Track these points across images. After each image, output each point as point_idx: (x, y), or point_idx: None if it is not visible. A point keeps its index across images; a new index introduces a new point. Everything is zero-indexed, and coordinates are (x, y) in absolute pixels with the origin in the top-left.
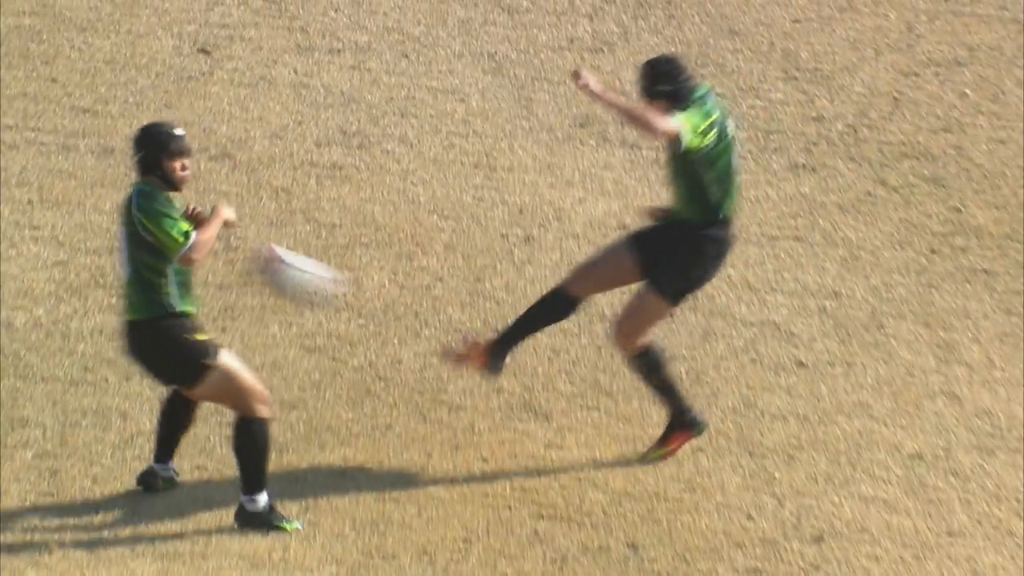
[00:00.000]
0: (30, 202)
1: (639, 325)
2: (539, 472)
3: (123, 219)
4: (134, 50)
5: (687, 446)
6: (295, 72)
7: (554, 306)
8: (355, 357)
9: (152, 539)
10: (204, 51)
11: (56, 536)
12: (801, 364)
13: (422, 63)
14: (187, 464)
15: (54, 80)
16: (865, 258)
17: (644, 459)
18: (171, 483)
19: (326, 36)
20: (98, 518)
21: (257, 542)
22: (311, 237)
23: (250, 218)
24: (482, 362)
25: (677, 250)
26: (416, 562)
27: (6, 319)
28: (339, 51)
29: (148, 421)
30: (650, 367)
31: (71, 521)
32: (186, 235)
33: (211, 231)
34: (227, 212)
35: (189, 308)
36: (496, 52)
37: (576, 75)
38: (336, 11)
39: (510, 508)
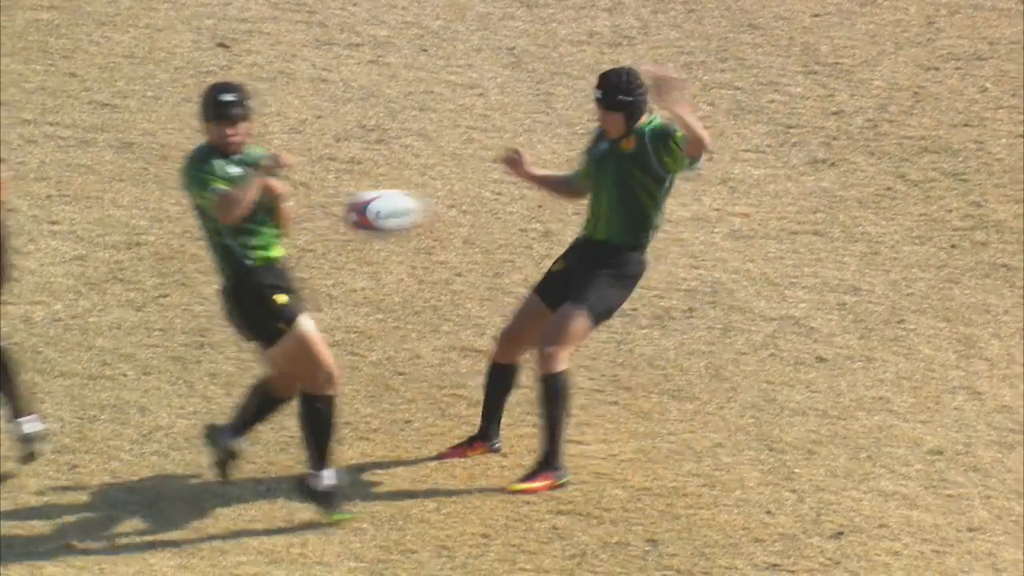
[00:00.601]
0: (49, 197)
1: (570, 342)
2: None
3: None
4: (153, 44)
5: (707, 440)
6: (314, 66)
7: (495, 378)
8: (373, 352)
9: (170, 534)
10: (223, 45)
11: (74, 531)
12: (821, 359)
13: (441, 57)
14: (205, 459)
15: (73, 74)
16: (885, 253)
17: (506, 490)
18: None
19: (345, 30)
20: (116, 513)
21: (276, 538)
22: (330, 232)
23: None
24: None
25: (610, 274)
26: (435, 558)
27: (25, 314)
28: (358, 45)
29: (166, 416)
30: (558, 393)
31: (89, 516)
32: (216, 186)
33: (247, 188)
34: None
35: (264, 261)
36: (515, 46)
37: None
38: (355, 5)
39: (529, 503)
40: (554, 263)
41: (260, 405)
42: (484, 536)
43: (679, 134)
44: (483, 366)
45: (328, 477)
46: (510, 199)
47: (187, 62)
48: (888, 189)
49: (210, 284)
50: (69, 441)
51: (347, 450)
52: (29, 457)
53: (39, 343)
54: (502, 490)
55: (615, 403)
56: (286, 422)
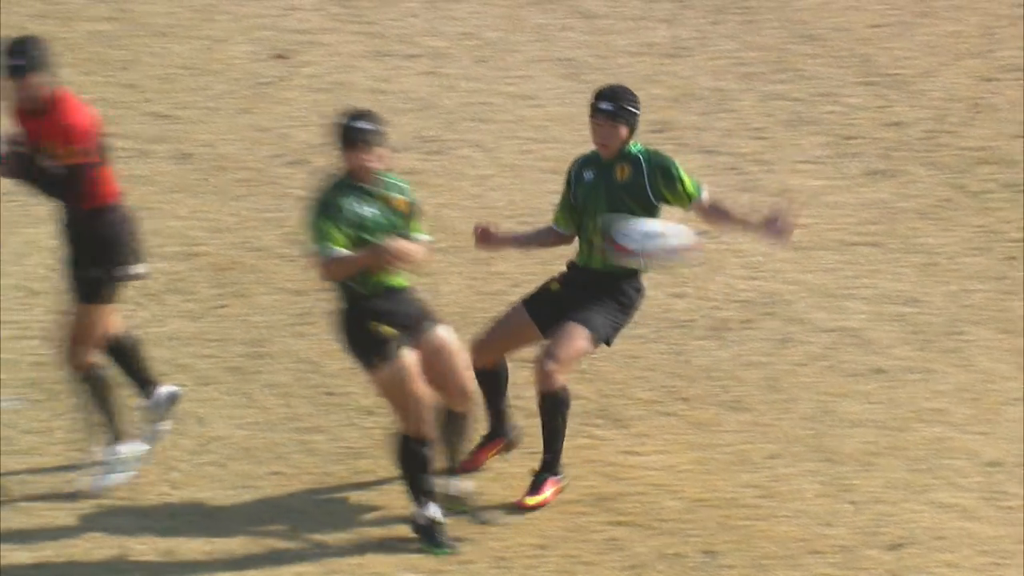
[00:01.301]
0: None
1: (571, 361)
2: (615, 479)
3: None
4: (211, 55)
5: (764, 451)
6: (371, 77)
7: (482, 382)
8: None
9: (227, 544)
10: (281, 56)
11: (133, 541)
12: (879, 371)
13: (498, 68)
14: (262, 470)
15: (131, 85)
16: (943, 264)
17: (522, 505)
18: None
19: (402, 41)
20: (174, 524)
21: (333, 548)
22: None
23: None
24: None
25: (611, 301)
26: (492, 568)
27: None
28: (416, 56)
29: (224, 426)
30: (559, 407)
31: (146, 526)
32: (330, 244)
33: (361, 257)
34: (393, 246)
35: (378, 289)
36: (573, 57)
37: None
38: (413, 16)
39: (586, 514)
40: (550, 281)
41: (451, 429)
42: (541, 547)
43: (682, 171)
44: None
45: (425, 514)
46: None
47: (245, 73)
48: (946, 200)
49: (267, 295)
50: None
51: None
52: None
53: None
54: (518, 505)
55: (672, 414)
56: (343, 433)
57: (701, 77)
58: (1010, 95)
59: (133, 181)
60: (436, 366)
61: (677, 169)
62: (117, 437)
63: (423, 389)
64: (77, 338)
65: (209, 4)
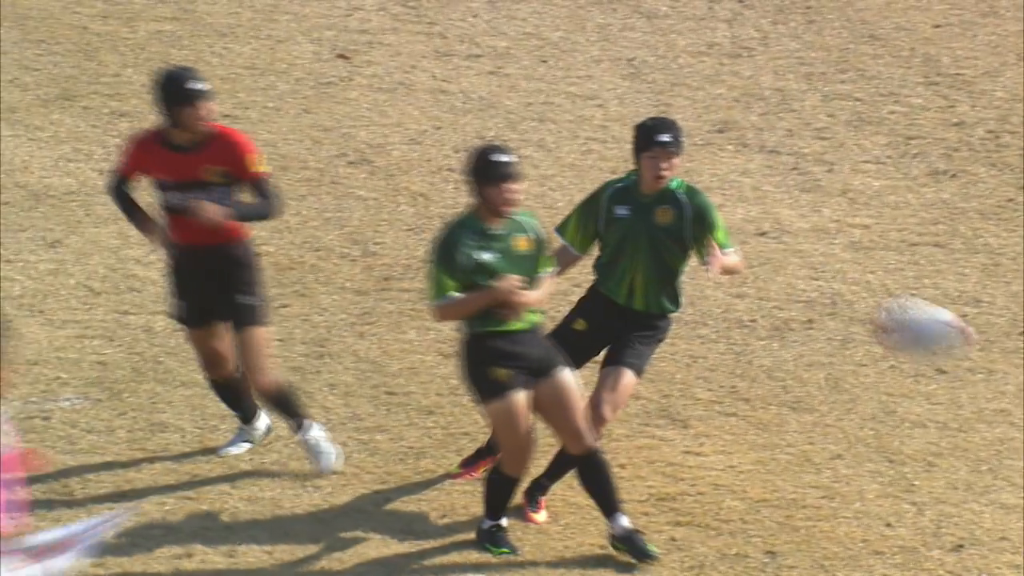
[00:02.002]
0: None
1: (623, 405)
2: (676, 479)
3: None
4: (274, 55)
5: (826, 452)
6: (433, 77)
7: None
8: None
9: (288, 544)
10: (343, 56)
11: (194, 540)
12: (941, 371)
13: (560, 68)
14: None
15: None
16: (1006, 264)
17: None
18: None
19: (465, 41)
20: (234, 523)
21: (395, 548)
22: None
23: (388, 223)
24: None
25: (651, 337)
26: (553, 569)
27: (146, 324)
28: (478, 56)
29: (285, 425)
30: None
31: (208, 525)
32: (440, 291)
33: (470, 300)
34: (503, 286)
35: (496, 330)
36: (634, 57)
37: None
38: (475, 16)
39: (647, 515)
40: (572, 321)
41: (588, 477)
42: (602, 547)
43: (719, 220)
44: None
45: (497, 520)
46: None
47: (307, 73)
48: (1009, 200)
49: (329, 295)
50: (190, 451)
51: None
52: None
53: (160, 353)
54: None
55: (734, 414)
56: (405, 432)
57: (763, 77)
58: None
59: None
60: (555, 411)
61: (716, 218)
62: (304, 421)
63: (527, 434)
64: (256, 363)
65: (272, 4)
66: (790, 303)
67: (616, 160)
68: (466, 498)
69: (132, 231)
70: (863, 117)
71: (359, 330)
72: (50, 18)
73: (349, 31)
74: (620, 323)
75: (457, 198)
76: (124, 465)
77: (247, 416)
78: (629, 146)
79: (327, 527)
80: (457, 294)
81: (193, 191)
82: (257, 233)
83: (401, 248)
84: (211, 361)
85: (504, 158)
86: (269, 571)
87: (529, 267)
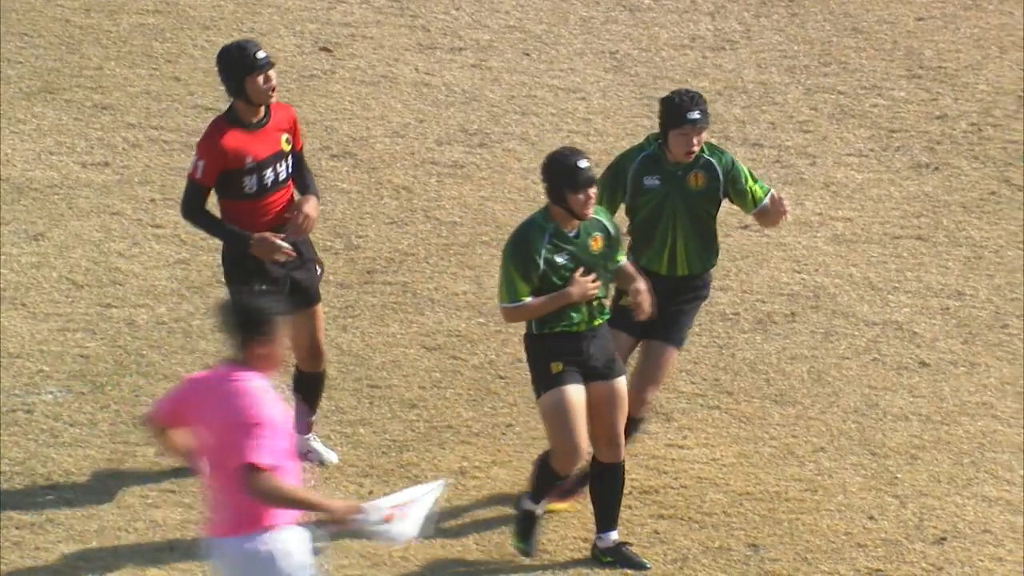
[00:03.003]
0: (152, 200)
1: (661, 381)
2: (659, 472)
3: None
4: None
5: (809, 445)
6: (416, 70)
7: None
8: (475, 356)
9: None
10: (326, 49)
11: (178, 534)
12: (924, 364)
13: (543, 61)
14: (307, 462)
15: (177, 79)
16: (989, 257)
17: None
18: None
19: (448, 34)
20: None
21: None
22: (432, 236)
23: (371, 216)
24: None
25: (696, 302)
26: (537, 561)
27: (129, 317)
28: (460, 49)
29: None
30: (637, 424)
31: (192, 518)
32: (515, 295)
33: (543, 304)
34: (576, 291)
35: (552, 330)
36: (617, 50)
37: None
38: (458, 9)
39: (630, 508)
40: (622, 298)
41: (601, 485)
42: (585, 540)
43: (750, 176)
44: None
45: (535, 506)
46: None
47: (290, 66)
48: (992, 194)
49: None
50: None
51: (448, 453)
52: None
53: (143, 346)
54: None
55: (717, 407)
56: (388, 425)
57: (746, 70)
58: None
59: (178, 174)
60: (600, 414)
61: (744, 171)
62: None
63: (575, 432)
64: (321, 341)
65: None
66: (773, 296)
67: (599, 153)
68: (448, 491)
69: (115, 224)
70: (846, 110)
71: (342, 323)
72: (32, 11)
73: (332, 24)
74: (664, 293)
75: (440, 190)
76: (107, 458)
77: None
78: (611, 139)
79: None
80: (529, 299)
81: (271, 166)
82: None
83: (384, 241)
84: (302, 342)
85: (587, 164)
86: None
87: (603, 264)
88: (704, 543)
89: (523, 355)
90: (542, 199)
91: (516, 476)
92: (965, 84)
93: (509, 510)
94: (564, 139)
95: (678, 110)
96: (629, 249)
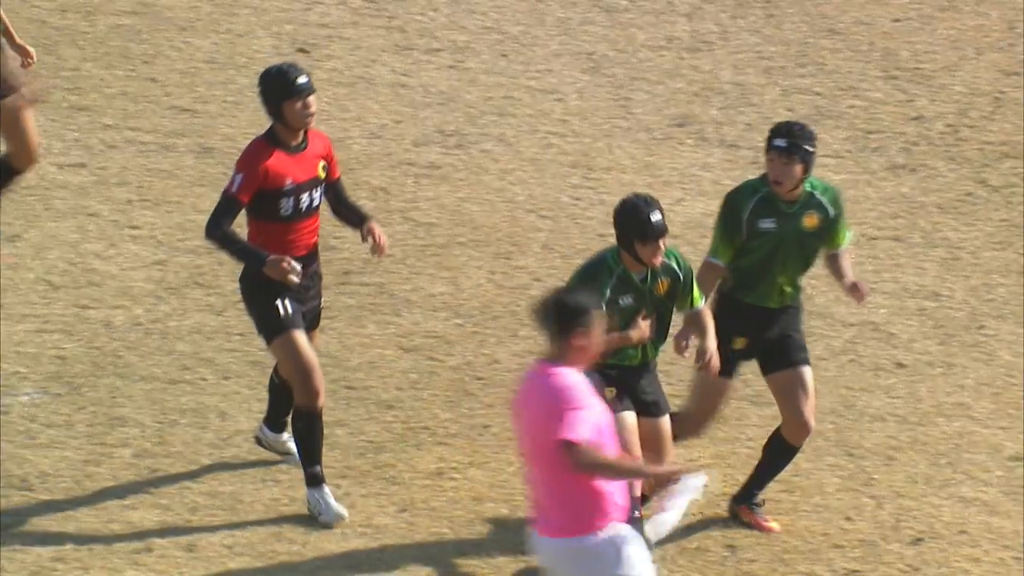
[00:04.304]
0: (129, 201)
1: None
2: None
3: None
4: (233, 49)
5: None
6: (393, 71)
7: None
8: (453, 357)
9: (249, 538)
10: (303, 50)
11: (154, 535)
12: (900, 365)
13: (520, 62)
14: (284, 463)
15: (154, 80)
16: (965, 259)
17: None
18: None
19: (424, 36)
20: (196, 517)
21: (355, 542)
22: (409, 237)
23: None
24: None
25: (799, 320)
26: (513, 563)
27: (105, 318)
28: (437, 51)
29: (246, 420)
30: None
31: (169, 519)
32: None
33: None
34: (636, 335)
35: (606, 363)
36: (594, 51)
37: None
38: (435, 10)
39: None
40: (728, 341)
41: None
42: None
43: (844, 221)
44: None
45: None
46: (589, 204)
47: (267, 67)
48: (968, 195)
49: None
50: (149, 445)
51: (425, 455)
52: None
53: (120, 347)
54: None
55: None
56: (364, 427)
57: (723, 71)
58: None
59: (155, 175)
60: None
61: (843, 217)
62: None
63: (630, 449)
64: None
65: None
66: None
67: (576, 154)
68: (425, 492)
69: (91, 225)
70: (822, 111)
71: (319, 325)
72: (8, 12)
73: (309, 25)
74: (775, 326)
75: (417, 191)
76: (84, 460)
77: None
78: (589, 140)
79: (287, 521)
80: None
81: (308, 191)
82: None
83: (360, 243)
84: (314, 369)
85: (659, 217)
86: (229, 565)
87: (668, 305)
88: (681, 544)
89: (500, 356)
90: (520, 200)
91: (493, 477)
92: (941, 85)
93: (486, 511)
94: (541, 140)
95: (769, 136)
96: (735, 286)
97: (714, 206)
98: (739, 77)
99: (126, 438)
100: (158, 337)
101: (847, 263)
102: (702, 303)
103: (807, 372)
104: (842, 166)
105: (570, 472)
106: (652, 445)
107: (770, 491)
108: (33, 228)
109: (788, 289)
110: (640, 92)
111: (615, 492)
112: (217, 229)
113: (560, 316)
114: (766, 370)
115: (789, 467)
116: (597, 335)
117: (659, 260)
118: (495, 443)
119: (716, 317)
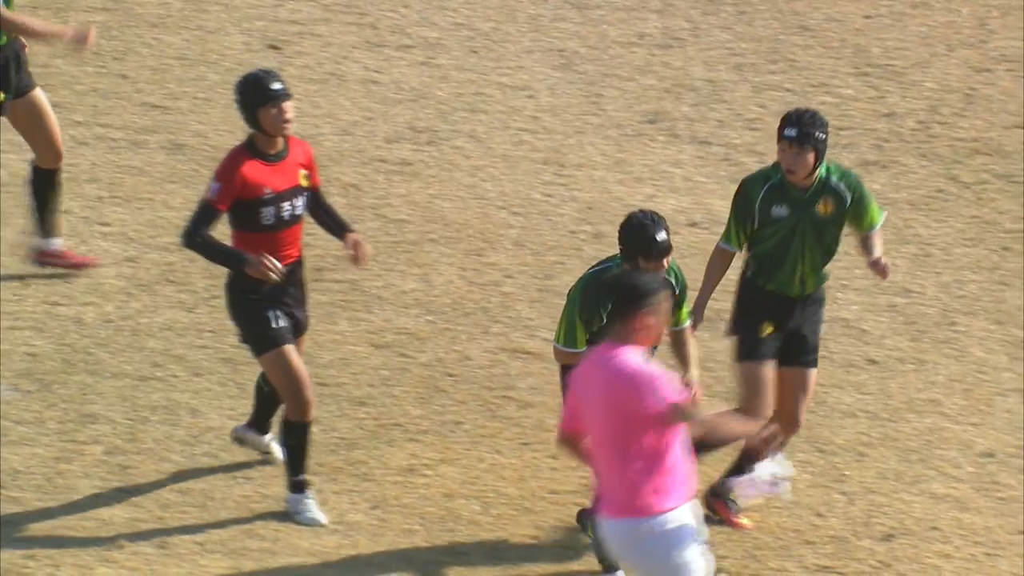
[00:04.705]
0: (100, 198)
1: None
2: None
3: None
4: (204, 46)
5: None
6: (365, 68)
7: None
8: (424, 353)
9: (220, 535)
10: (274, 47)
11: (126, 532)
12: (872, 361)
13: (491, 59)
14: (255, 460)
15: (124, 76)
16: (936, 255)
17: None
18: None
19: (396, 32)
20: (167, 514)
21: (326, 540)
22: (380, 233)
23: None
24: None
25: (821, 314)
26: (485, 560)
27: (76, 315)
28: (409, 47)
29: (217, 417)
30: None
31: (141, 517)
32: (573, 342)
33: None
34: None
35: None
36: (565, 48)
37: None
38: (406, 7)
39: (580, 506)
40: (756, 328)
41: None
42: (534, 539)
43: (871, 198)
44: (533, 368)
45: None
46: (560, 201)
47: (238, 64)
48: (939, 191)
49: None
50: (120, 442)
51: (397, 451)
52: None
53: (90, 344)
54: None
55: None
56: (336, 423)
57: (694, 68)
58: (1004, 85)
59: (126, 172)
60: None
61: (869, 198)
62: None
63: None
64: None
65: None
66: (721, 294)
67: (547, 151)
68: (397, 489)
69: (62, 222)
70: (793, 108)
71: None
72: None
73: (280, 21)
74: (798, 313)
75: (389, 188)
76: (55, 457)
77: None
78: (560, 136)
79: (259, 518)
80: (583, 348)
81: (289, 200)
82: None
83: (333, 239)
84: (305, 384)
85: (665, 236)
86: (200, 562)
87: (669, 323)
88: None
89: (472, 353)
90: (491, 196)
91: (465, 474)
92: (912, 82)
93: (458, 507)
94: (512, 137)
95: (780, 125)
96: (756, 273)
97: (686, 203)
98: (710, 74)
99: (97, 435)
100: (129, 334)
101: (877, 241)
102: (688, 322)
103: (812, 375)
104: None
105: (647, 448)
106: None
107: None
108: (4, 226)
109: (810, 278)
110: (611, 89)
111: (682, 475)
112: (196, 236)
113: (626, 297)
114: (784, 363)
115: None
116: (663, 315)
117: (661, 276)
118: (467, 439)
119: (741, 303)
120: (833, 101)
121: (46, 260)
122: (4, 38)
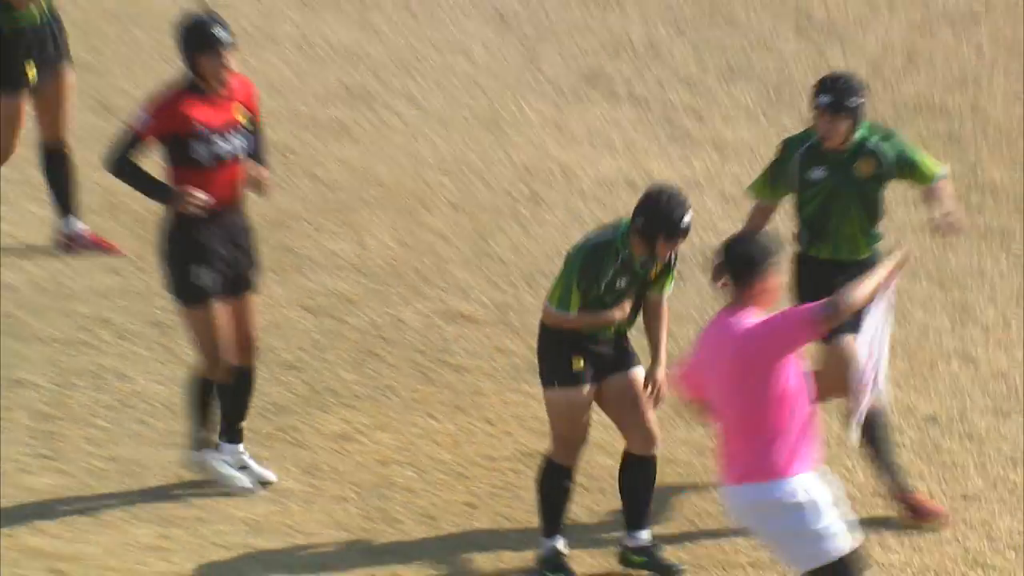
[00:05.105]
0: (26, 159)
1: None
2: (545, 435)
3: None
4: (130, 2)
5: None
6: (296, 26)
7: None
8: (357, 317)
9: (150, 503)
10: (204, 5)
11: (55, 500)
12: None
13: (426, 17)
14: (184, 426)
15: None
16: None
17: None
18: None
19: None
20: (95, 482)
21: (258, 507)
22: (313, 195)
23: None
24: None
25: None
26: (420, 527)
27: (4, 279)
28: (342, 5)
29: (144, 381)
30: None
31: (69, 484)
32: (567, 305)
33: (584, 320)
34: (618, 315)
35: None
36: (502, 6)
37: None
38: None
39: (516, 472)
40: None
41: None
42: (469, 505)
43: (919, 155)
44: (468, 331)
45: (545, 545)
46: (496, 162)
47: (166, 21)
48: None
49: None
50: (47, 408)
51: (330, 417)
52: None
53: (13, 308)
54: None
55: None
56: (267, 388)
57: (633, 27)
58: (946, 45)
59: None
60: (620, 408)
61: (915, 153)
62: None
63: (584, 427)
64: (254, 331)
65: None
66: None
67: (484, 111)
68: (330, 455)
69: None
70: (733, 67)
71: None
72: None
73: None
74: (844, 278)
75: (322, 149)
76: None
77: (239, 435)
78: (497, 97)
79: (189, 484)
80: (575, 313)
81: (224, 135)
82: (116, 186)
83: (265, 203)
84: (226, 343)
85: (689, 221)
86: (130, 530)
87: (648, 288)
88: (591, 507)
89: (406, 317)
90: (427, 157)
91: (399, 439)
92: (854, 40)
93: (392, 474)
94: (447, 97)
95: (814, 91)
96: (808, 243)
97: (625, 164)
98: (649, 32)
99: (23, 401)
100: (56, 297)
101: (943, 194)
102: (669, 291)
103: (852, 343)
104: (754, 123)
105: (773, 411)
106: (626, 399)
107: (680, 453)
108: None
109: (860, 241)
110: (549, 48)
111: (808, 440)
112: (123, 163)
113: (746, 262)
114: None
115: (700, 429)
116: (782, 276)
117: (663, 255)
118: (400, 405)
119: (798, 283)
120: (773, 59)
121: (72, 244)
122: (39, 16)
